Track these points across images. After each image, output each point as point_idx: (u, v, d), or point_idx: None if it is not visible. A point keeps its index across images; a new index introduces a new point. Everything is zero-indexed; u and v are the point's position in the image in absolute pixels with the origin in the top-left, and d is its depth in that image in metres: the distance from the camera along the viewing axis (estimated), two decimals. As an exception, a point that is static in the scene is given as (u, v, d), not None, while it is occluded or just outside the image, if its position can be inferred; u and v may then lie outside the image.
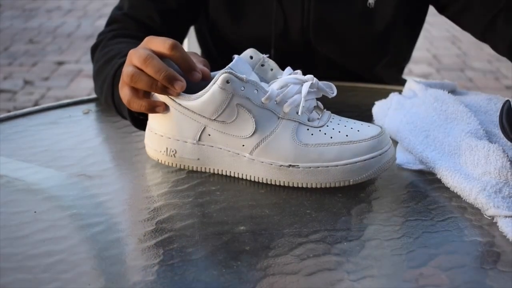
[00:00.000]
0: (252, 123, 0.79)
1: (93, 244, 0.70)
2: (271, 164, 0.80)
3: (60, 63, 3.83)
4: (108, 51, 1.04)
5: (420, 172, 0.85)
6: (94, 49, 1.11)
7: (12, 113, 1.04)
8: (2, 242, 0.70)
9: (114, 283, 0.64)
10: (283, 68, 0.85)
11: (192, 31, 1.34)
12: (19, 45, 4.15)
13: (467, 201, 0.78)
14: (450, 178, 0.81)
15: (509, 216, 0.73)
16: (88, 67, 3.76)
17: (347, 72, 1.20)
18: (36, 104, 3.14)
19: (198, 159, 0.83)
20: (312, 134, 0.80)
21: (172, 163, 0.84)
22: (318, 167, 0.79)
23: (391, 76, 1.26)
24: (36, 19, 4.77)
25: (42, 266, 0.66)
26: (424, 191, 0.81)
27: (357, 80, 1.20)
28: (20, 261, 0.67)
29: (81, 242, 0.71)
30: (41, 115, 1.04)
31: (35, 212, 0.76)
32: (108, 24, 1.14)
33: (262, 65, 0.86)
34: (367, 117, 0.98)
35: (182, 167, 0.84)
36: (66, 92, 3.38)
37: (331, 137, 0.80)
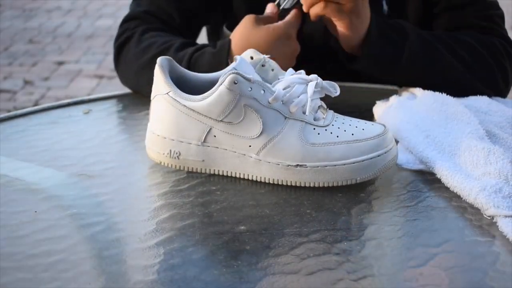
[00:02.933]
0: (259, 123, 0.79)
1: (93, 244, 0.70)
2: (278, 164, 0.80)
3: (60, 63, 3.83)
4: (151, 44, 1.07)
5: (420, 172, 0.85)
6: (123, 44, 1.11)
7: (12, 113, 1.04)
8: (2, 242, 0.70)
9: (114, 282, 0.64)
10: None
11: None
12: (19, 45, 4.15)
13: (467, 201, 0.78)
14: (450, 178, 0.81)
15: (509, 216, 0.73)
16: (88, 66, 3.76)
17: (363, 79, 1.19)
18: (36, 104, 3.14)
19: (203, 160, 0.83)
20: (318, 134, 0.80)
21: (176, 165, 0.84)
22: (326, 166, 0.79)
23: None
24: (36, 19, 4.77)
25: (42, 266, 0.66)
26: (424, 191, 0.81)
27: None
28: (20, 261, 0.67)
29: (81, 242, 0.71)
30: (41, 115, 1.04)
31: (35, 211, 0.76)
32: (127, 20, 1.14)
33: (263, 66, 0.86)
34: (367, 117, 0.98)
35: (186, 169, 0.84)
36: (66, 92, 3.38)
37: (337, 136, 0.80)
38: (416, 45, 1.03)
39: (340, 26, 1.00)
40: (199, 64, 1.01)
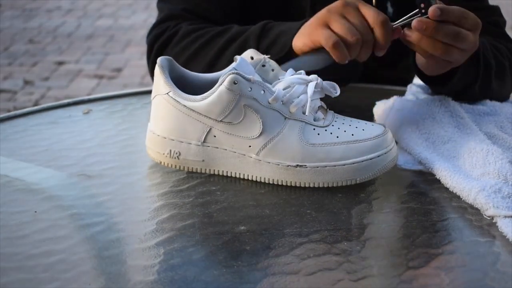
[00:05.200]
0: (259, 123, 0.79)
1: (93, 244, 0.70)
2: (278, 165, 0.80)
3: (60, 63, 3.83)
4: (205, 32, 1.06)
5: (420, 172, 0.85)
6: (165, 43, 1.09)
7: (12, 113, 1.04)
8: (2, 242, 0.70)
9: (114, 283, 0.64)
10: None
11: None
12: (19, 45, 4.15)
13: (467, 201, 0.78)
14: (449, 179, 0.81)
15: (508, 216, 0.73)
16: (88, 67, 3.76)
17: (371, 77, 1.19)
18: (36, 104, 3.14)
19: (203, 160, 0.83)
20: (318, 134, 0.80)
21: (176, 165, 0.84)
22: (326, 167, 0.79)
23: (404, 79, 1.26)
24: (36, 19, 4.77)
25: (42, 266, 0.66)
26: (424, 191, 0.81)
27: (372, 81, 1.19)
28: (20, 261, 0.67)
29: (81, 242, 0.71)
30: (41, 115, 1.04)
31: (35, 211, 0.76)
32: (165, 20, 1.12)
33: (263, 66, 0.86)
34: (368, 117, 0.98)
35: (186, 169, 0.84)
36: (66, 92, 3.38)
37: (337, 137, 0.80)
38: (490, 58, 1.00)
39: (444, 62, 0.91)
40: (274, 27, 1.00)
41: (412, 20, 0.86)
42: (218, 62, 1.04)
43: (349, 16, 0.89)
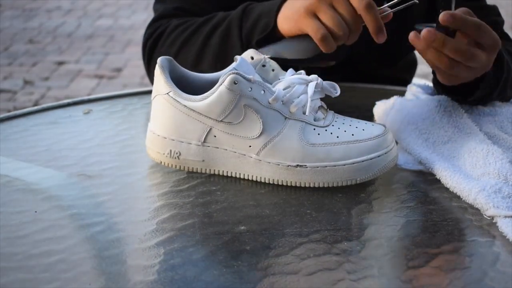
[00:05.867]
0: (259, 123, 0.79)
1: (93, 244, 0.70)
2: (278, 165, 0.80)
3: (60, 63, 3.83)
4: (191, 23, 1.07)
5: (420, 172, 0.85)
6: (156, 39, 1.10)
7: (12, 113, 1.04)
8: (2, 242, 0.70)
9: (114, 283, 0.64)
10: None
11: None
12: (19, 45, 4.15)
13: (467, 201, 0.78)
14: (449, 179, 0.81)
15: (508, 216, 0.73)
16: (88, 67, 3.76)
17: (371, 77, 1.19)
18: (36, 104, 3.14)
19: (203, 160, 0.83)
20: (318, 134, 0.80)
21: (176, 165, 0.84)
22: (326, 167, 0.79)
23: (403, 77, 1.25)
24: (36, 19, 4.77)
25: (42, 266, 0.66)
26: (424, 191, 0.81)
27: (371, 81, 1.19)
28: (20, 261, 0.67)
29: (81, 242, 0.71)
30: (41, 115, 1.04)
31: (35, 211, 0.76)
32: (158, 19, 1.13)
33: (263, 66, 0.86)
34: (368, 117, 0.98)
35: (186, 169, 0.84)
36: (66, 92, 3.38)
37: (338, 137, 0.80)
38: (510, 65, 0.99)
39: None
40: (254, 8, 1.00)
41: (402, 5, 0.86)
42: (205, 50, 1.04)
43: (337, 5, 0.89)
